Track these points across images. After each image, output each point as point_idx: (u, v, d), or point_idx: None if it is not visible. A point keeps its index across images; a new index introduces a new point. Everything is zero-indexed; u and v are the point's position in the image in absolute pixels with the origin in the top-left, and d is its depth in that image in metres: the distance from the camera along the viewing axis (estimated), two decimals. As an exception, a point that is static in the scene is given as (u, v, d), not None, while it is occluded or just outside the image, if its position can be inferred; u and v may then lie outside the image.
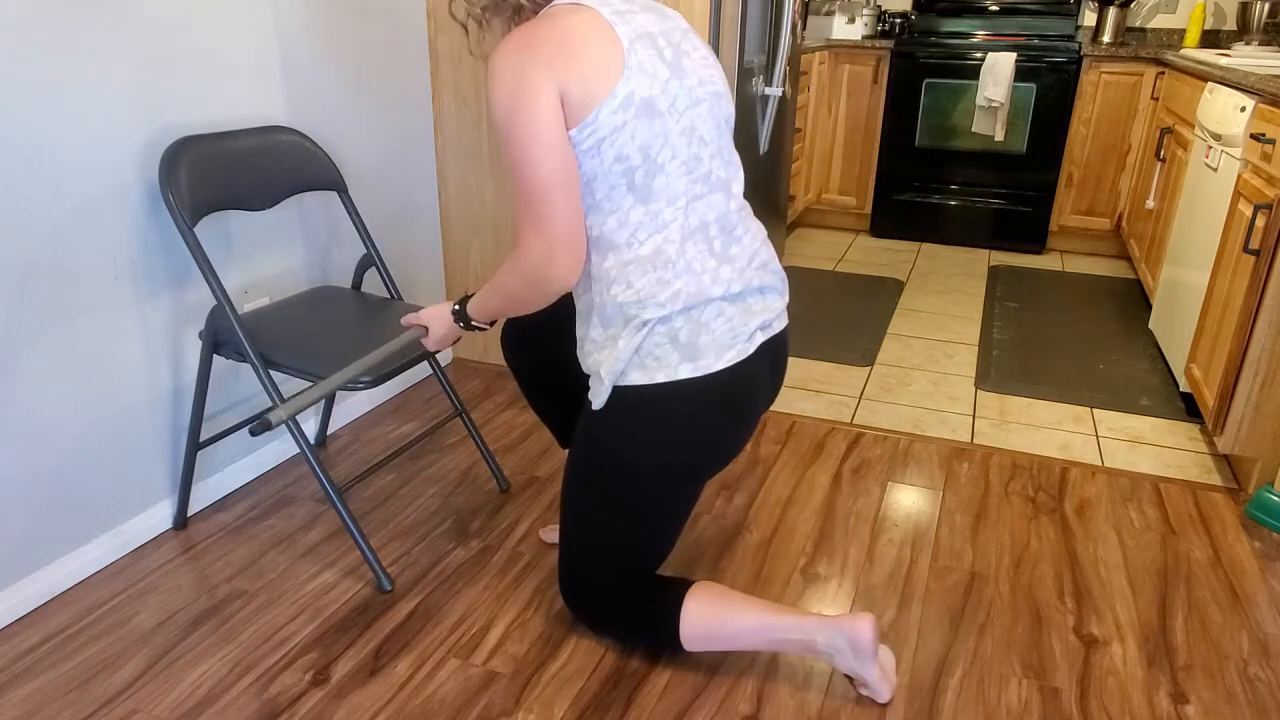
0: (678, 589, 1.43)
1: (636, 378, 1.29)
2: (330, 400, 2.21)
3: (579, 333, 1.38)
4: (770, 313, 1.37)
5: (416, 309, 1.86)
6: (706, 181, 1.30)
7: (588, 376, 1.39)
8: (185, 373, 1.83)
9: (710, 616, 1.41)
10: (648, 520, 1.41)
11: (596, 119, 1.19)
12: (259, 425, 1.30)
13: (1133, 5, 4.05)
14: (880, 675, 1.40)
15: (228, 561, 1.75)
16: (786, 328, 1.45)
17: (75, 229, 1.56)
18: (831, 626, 1.36)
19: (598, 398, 1.33)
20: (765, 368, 1.38)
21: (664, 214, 1.26)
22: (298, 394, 1.37)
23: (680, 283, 1.27)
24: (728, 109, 1.35)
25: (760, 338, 1.35)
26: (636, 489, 1.37)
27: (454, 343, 1.58)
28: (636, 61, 1.20)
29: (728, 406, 1.33)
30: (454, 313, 1.48)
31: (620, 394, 1.31)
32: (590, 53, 1.18)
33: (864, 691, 1.43)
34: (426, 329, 1.53)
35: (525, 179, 1.20)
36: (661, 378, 1.28)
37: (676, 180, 1.26)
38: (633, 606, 1.45)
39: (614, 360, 1.29)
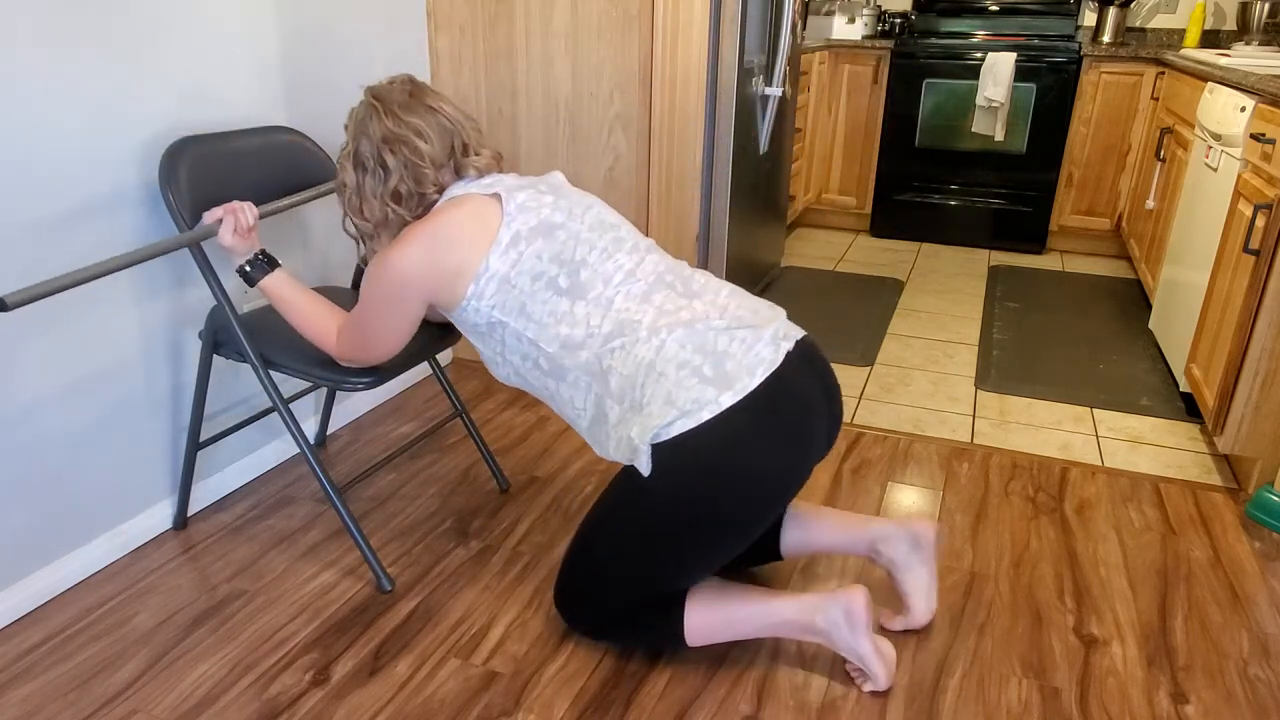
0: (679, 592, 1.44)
1: (683, 424, 1.27)
2: (330, 400, 2.21)
3: (593, 431, 1.38)
4: (779, 323, 1.38)
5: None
6: (636, 251, 1.41)
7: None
8: (185, 373, 1.83)
9: (712, 611, 1.42)
10: (701, 563, 1.39)
11: (487, 268, 1.34)
12: None
13: (1133, 5, 4.05)
14: (875, 652, 1.41)
15: (228, 561, 1.75)
16: (814, 342, 1.43)
17: (75, 229, 1.56)
18: (827, 600, 1.40)
19: (643, 464, 1.30)
20: (810, 382, 1.36)
21: (605, 294, 1.35)
22: (42, 282, 1.31)
23: (656, 322, 1.32)
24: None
25: (785, 345, 1.34)
26: (699, 537, 1.34)
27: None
28: (516, 205, 1.36)
29: (780, 421, 1.30)
30: (242, 270, 1.54)
31: (673, 447, 1.28)
32: (463, 236, 1.35)
33: (865, 686, 1.43)
34: (219, 229, 1.53)
35: (367, 329, 1.45)
36: (707, 415, 1.26)
37: (603, 265, 1.37)
38: (635, 612, 1.45)
39: (648, 419, 1.28)
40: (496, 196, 1.38)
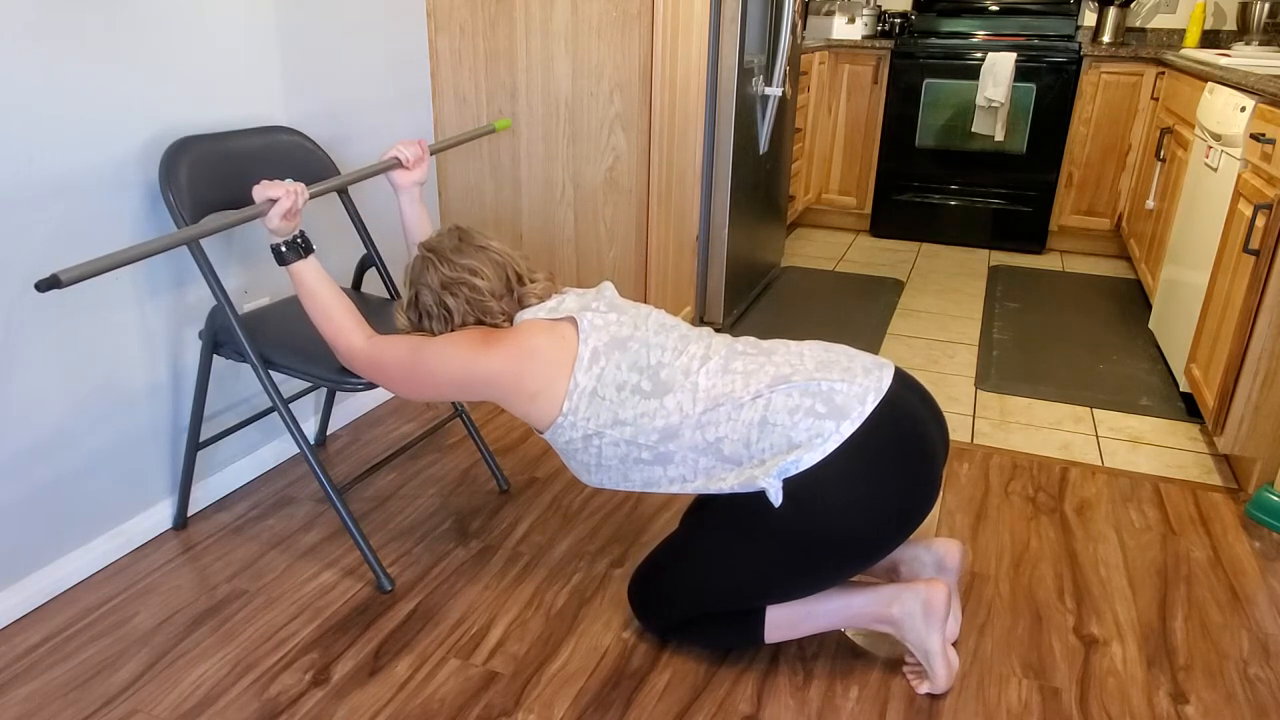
0: None
1: (810, 458, 1.29)
2: (330, 400, 2.21)
3: (704, 487, 1.38)
4: (864, 356, 1.42)
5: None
6: (702, 339, 1.45)
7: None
8: (185, 373, 1.83)
9: (792, 606, 1.43)
10: (817, 587, 1.40)
11: (576, 384, 1.38)
12: (47, 281, 1.21)
13: (1133, 5, 4.05)
14: (942, 650, 1.40)
15: (228, 561, 1.75)
16: (902, 369, 1.44)
17: (75, 229, 1.56)
18: (905, 590, 1.40)
19: (774, 496, 1.30)
20: (913, 402, 1.38)
21: (688, 382, 1.37)
22: (94, 259, 1.28)
23: (748, 384, 1.35)
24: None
25: (885, 375, 1.37)
26: (823, 567, 1.35)
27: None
28: (589, 323, 1.41)
29: (902, 441, 1.33)
30: (278, 250, 1.48)
31: (800, 481, 1.30)
32: (547, 361, 1.39)
33: (922, 688, 1.43)
34: (270, 210, 1.47)
35: (411, 379, 1.46)
36: (833, 445, 1.29)
37: (678, 360, 1.40)
38: (716, 613, 1.45)
39: (773, 463, 1.30)
40: (571, 320, 1.43)
